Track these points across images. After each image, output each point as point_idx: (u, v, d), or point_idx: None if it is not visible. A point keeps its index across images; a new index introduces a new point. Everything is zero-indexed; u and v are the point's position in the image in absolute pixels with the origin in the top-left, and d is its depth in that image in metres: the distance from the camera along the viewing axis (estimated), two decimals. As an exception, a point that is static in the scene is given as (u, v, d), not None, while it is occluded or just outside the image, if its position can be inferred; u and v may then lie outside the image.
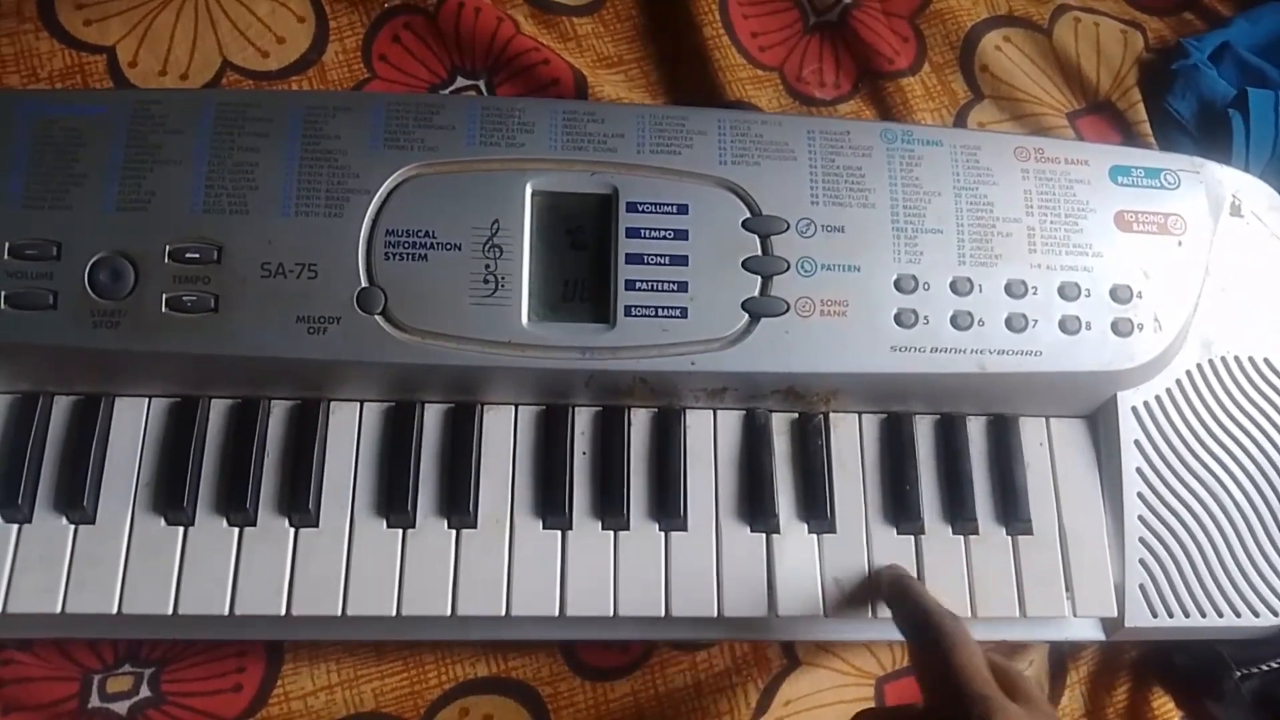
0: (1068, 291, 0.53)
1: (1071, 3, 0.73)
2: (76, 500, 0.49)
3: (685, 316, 0.51)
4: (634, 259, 0.51)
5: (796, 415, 0.55)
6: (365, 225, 0.50)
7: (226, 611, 0.49)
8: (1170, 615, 0.54)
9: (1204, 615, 0.54)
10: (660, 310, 0.51)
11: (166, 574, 0.49)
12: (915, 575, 0.53)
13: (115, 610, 0.48)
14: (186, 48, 0.64)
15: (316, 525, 0.50)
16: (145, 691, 0.52)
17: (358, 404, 0.53)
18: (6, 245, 0.49)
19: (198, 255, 0.49)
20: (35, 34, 0.63)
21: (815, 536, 0.53)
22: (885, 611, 0.51)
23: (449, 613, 0.49)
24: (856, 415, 0.55)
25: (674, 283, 0.51)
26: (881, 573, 0.52)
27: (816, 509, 0.53)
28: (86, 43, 0.63)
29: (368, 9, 0.66)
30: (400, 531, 0.51)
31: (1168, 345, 0.54)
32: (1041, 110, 0.69)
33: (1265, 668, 0.54)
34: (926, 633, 0.44)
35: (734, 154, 0.53)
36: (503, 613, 0.50)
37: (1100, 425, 0.56)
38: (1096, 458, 0.56)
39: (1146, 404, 0.56)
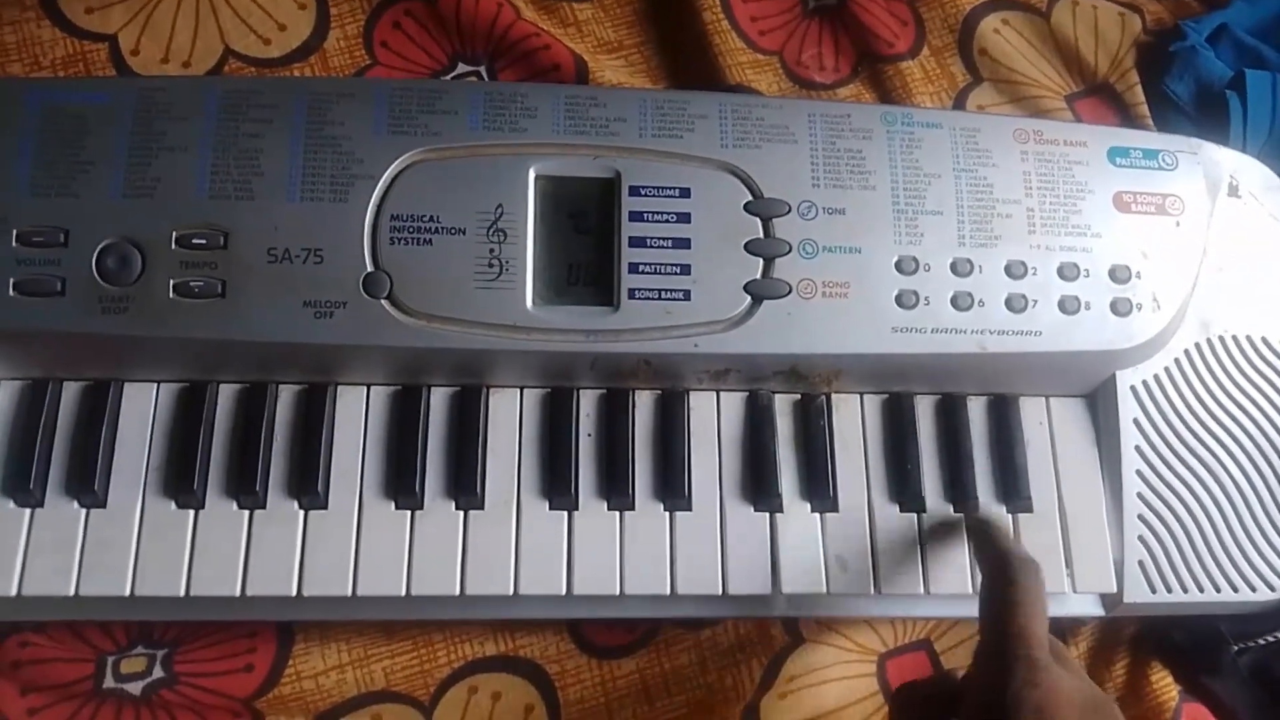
0: (1067, 272, 0.54)
1: (1069, -15, 0.73)
2: (87, 485, 0.50)
3: (688, 299, 0.51)
4: (637, 242, 0.52)
5: (799, 396, 0.55)
6: (370, 210, 0.50)
7: (237, 593, 0.49)
8: (1169, 591, 0.54)
9: (1201, 590, 0.54)
10: (663, 293, 0.51)
11: (178, 556, 0.49)
12: (918, 554, 0.53)
13: (128, 592, 0.49)
14: (188, 35, 0.64)
15: (325, 507, 0.51)
16: (159, 672, 0.53)
17: (365, 388, 0.53)
18: (14, 233, 0.49)
19: (204, 241, 0.49)
20: (37, 22, 0.63)
21: (818, 515, 0.53)
22: (887, 588, 0.52)
23: (457, 592, 0.50)
24: (858, 396, 0.56)
25: (677, 265, 0.52)
26: (967, 519, 0.53)
27: (819, 488, 0.53)
28: (88, 31, 0.63)
29: (368, -5, 0.66)
30: (408, 513, 0.51)
31: (1166, 325, 0.55)
32: (1040, 93, 0.70)
33: (1262, 642, 0.55)
34: (999, 586, 0.44)
35: (735, 137, 0.53)
36: (510, 592, 0.50)
37: (1099, 404, 0.57)
38: (1096, 436, 0.56)
39: (1145, 383, 0.56)
